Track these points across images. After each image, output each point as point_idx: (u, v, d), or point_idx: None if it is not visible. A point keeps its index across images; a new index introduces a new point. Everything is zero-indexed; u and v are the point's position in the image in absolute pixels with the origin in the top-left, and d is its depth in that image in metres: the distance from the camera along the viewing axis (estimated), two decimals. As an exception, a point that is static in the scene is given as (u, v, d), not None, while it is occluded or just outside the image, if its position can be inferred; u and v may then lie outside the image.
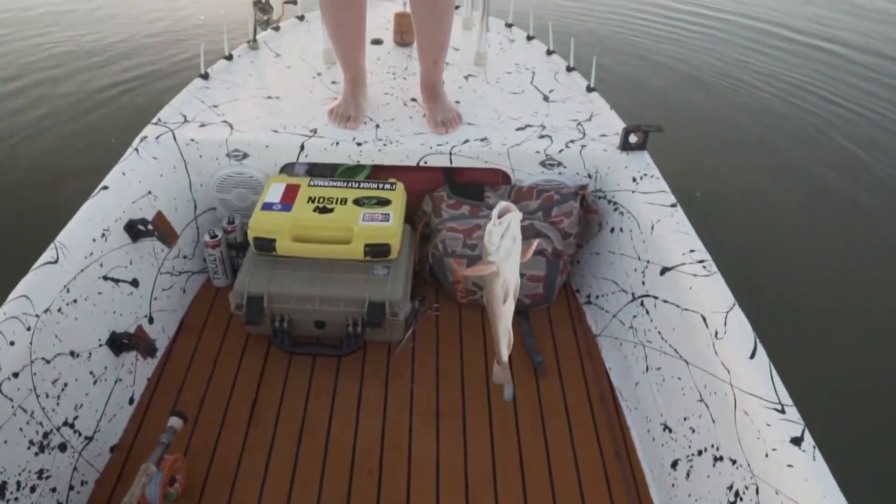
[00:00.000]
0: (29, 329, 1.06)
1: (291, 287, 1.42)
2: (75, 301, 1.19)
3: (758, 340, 1.07)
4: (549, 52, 2.09)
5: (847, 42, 4.19)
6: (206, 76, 1.83)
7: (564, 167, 1.60)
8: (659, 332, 1.30)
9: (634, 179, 1.50)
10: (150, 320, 1.44)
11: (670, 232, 1.34)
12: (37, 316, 1.08)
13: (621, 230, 1.50)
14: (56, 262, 1.17)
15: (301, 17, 2.29)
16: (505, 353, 1.17)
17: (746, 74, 3.56)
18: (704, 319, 1.15)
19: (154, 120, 1.62)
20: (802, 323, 1.96)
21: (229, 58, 1.96)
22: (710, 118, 3.03)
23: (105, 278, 1.29)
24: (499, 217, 0.99)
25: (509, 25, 2.30)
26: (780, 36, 4.30)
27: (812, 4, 5.01)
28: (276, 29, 2.18)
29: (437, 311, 1.60)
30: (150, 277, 1.45)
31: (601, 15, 4.16)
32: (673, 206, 1.39)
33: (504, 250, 0.99)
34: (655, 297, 1.32)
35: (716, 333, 1.11)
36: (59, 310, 1.15)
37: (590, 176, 1.61)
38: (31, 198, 2.28)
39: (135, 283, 1.39)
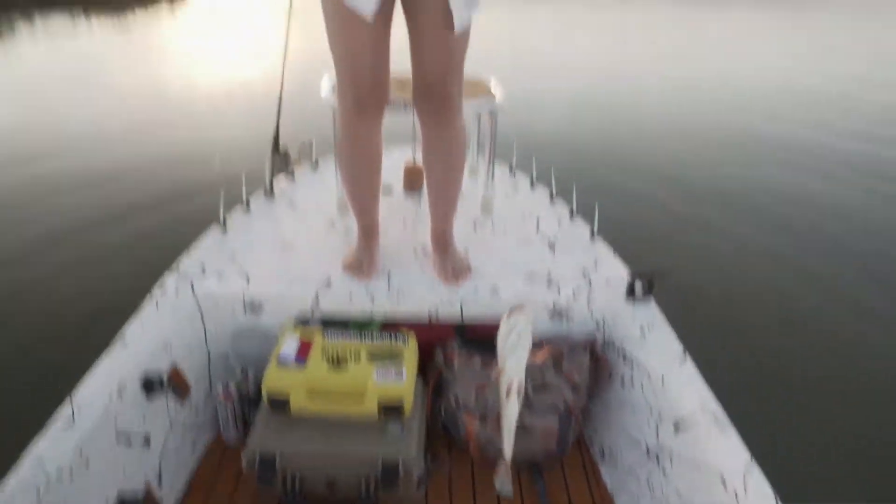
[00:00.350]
0: (38, 492, 1.05)
1: (305, 446, 1.41)
2: (87, 462, 1.19)
3: (779, 501, 1.06)
4: (553, 198, 2.20)
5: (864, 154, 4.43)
6: (223, 224, 1.92)
7: (572, 317, 1.64)
8: (676, 490, 1.28)
9: (642, 328, 1.54)
10: (160, 479, 1.43)
11: (681, 384, 1.35)
12: (47, 480, 1.08)
13: (632, 382, 1.52)
14: (72, 420, 1.18)
15: (315, 165, 2.43)
16: (509, 452, 1.23)
17: (752, 214, 3.65)
18: (723, 479, 1.14)
19: (172, 270, 1.68)
20: (822, 482, 1.91)
21: (246, 206, 2.06)
22: (714, 259, 3.11)
23: (118, 437, 1.29)
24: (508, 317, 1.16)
25: (513, 171, 2.43)
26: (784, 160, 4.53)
27: (809, 126, 5.32)
28: (291, 176, 2.31)
29: (450, 468, 1.59)
30: (162, 434, 1.45)
31: (602, 159, 4.38)
32: (682, 357, 1.42)
33: (510, 346, 1.14)
34: (671, 453, 1.32)
35: (735, 495, 1.10)
36: (71, 471, 1.14)
37: (598, 325, 1.65)
38: (48, 346, 2.32)
39: (146, 440, 1.39)
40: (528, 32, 9.57)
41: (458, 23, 1.41)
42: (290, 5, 2.07)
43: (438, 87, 1.48)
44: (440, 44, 1.44)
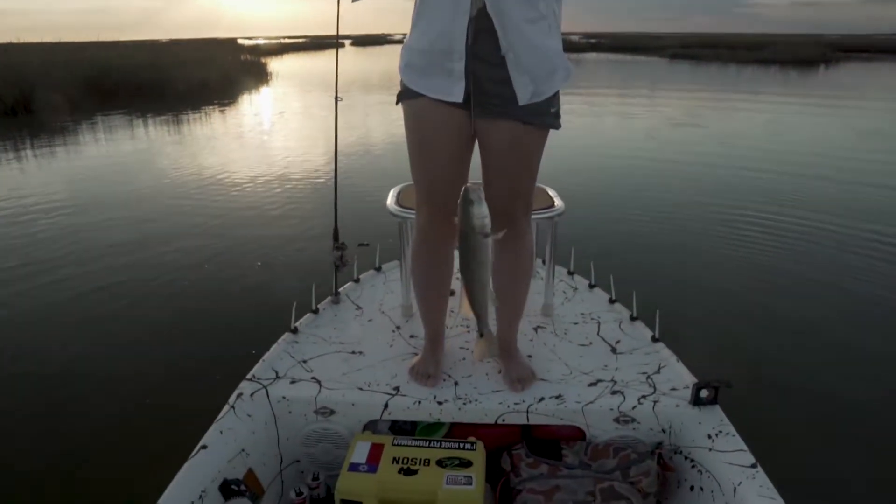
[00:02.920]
0: None
1: (377, 552, 1.49)
2: None
3: None
4: (612, 301, 2.31)
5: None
6: (294, 331, 2.08)
7: (638, 423, 1.71)
8: None
9: (710, 436, 1.59)
10: None
11: (754, 496, 1.40)
12: None
13: (701, 489, 1.56)
14: None
15: (378, 269, 2.61)
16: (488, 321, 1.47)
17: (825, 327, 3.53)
18: None
19: (249, 376, 1.83)
20: None
21: (315, 311, 2.23)
22: (786, 363, 3.09)
23: None
24: (468, 196, 1.35)
25: (571, 273, 2.56)
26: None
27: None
28: (357, 281, 2.49)
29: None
30: None
31: (661, 263, 4.45)
32: (753, 466, 1.47)
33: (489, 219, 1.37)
34: None
35: None
36: None
37: (664, 431, 1.72)
38: (128, 450, 2.47)
39: None
40: (567, 129, 9.98)
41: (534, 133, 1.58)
42: (337, 111, 2.29)
43: (507, 211, 1.64)
44: (510, 172, 1.61)
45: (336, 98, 2.19)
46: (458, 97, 1.53)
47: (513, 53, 1.47)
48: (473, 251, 1.41)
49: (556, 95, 1.58)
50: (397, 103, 1.67)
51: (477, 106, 1.54)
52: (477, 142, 1.65)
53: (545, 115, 1.58)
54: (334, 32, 2.04)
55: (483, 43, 1.47)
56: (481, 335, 1.57)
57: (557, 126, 1.62)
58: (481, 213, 1.37)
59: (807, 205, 5.98)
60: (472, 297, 1.48)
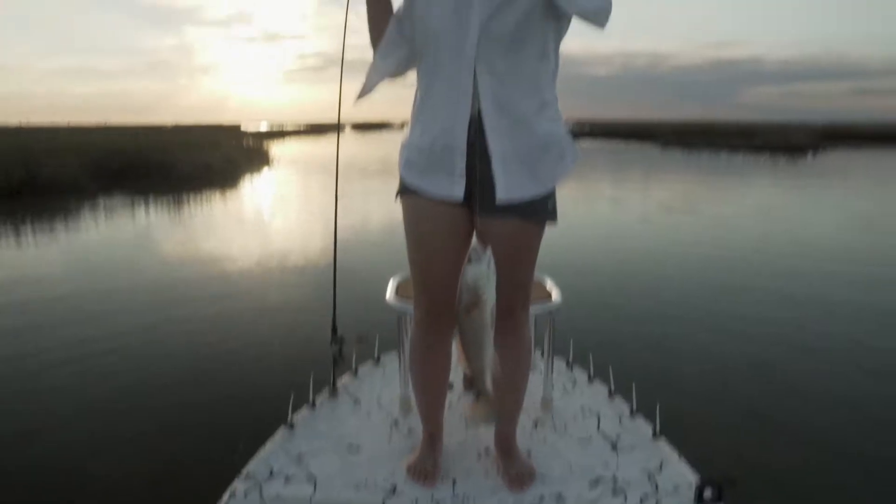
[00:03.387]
0: None
1: None
2: None
3: None
4: (612, 394, 2.30)
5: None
6: (291, 426, 2.06)
7: None
8: None
9: None
10: None
11: None
12: None
13: None
14: None
15: (377, 360, 2.61)
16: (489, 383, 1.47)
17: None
18: None
19: (242, 473, 1.80)
20: None
21: (312, 405, 2.21)
22: (792, 457, 3.03)
23: None
24: (473, 258, 1.37)
25: (570, 366, 2.56)
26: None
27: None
28: (355, 374, 2.48)
29: None
30: None
31: (660, 353, 4.42)
32: None
33: (491, 278, 1.38)
34: None
35: None
36: None
37: None
38: None
39: None
40: (564, 217, 10.16)
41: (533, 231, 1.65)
42: (336, 201, 2.32)
43: (506, 305, 1.67)
44: (508, 266, 1.65)
45: (336, 196, 2.25)
46: (460, 196, 1.59)
47: (521, 144, 1.53)
48: (469, 309, 1.41)
49: (553, 190, 1.64)
50: (396, 198, 1.72)
51: (477, 202, 1.59)
52: (476, 235, 1.69)
53: (543, 210, 1.63)
54: (334, 119, 2.11)
55: (486, 139, 1.53)
56: (477, 397, 1.54)
57: (554, 221, 1.67)
58: (478, 272, 1.39)
59: (808, 293, 6.02)
60: (469, 356, 1.48)
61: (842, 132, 50.87)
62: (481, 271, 1.39)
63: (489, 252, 1.41)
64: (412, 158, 1.64)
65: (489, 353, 1.47)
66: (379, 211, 10.70)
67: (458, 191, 1.58)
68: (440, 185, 1.60)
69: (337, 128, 2.35)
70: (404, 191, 1.68)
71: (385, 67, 1.65)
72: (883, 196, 14.90)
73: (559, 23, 1.54)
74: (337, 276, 2.36)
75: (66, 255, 7.95)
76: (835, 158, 28.14)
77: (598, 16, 1.42)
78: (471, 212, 1.64)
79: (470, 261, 1.39)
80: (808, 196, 14.31)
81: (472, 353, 1.47)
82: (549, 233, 1.72)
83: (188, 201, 12.68)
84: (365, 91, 1.67)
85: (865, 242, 8.62)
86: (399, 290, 2.24)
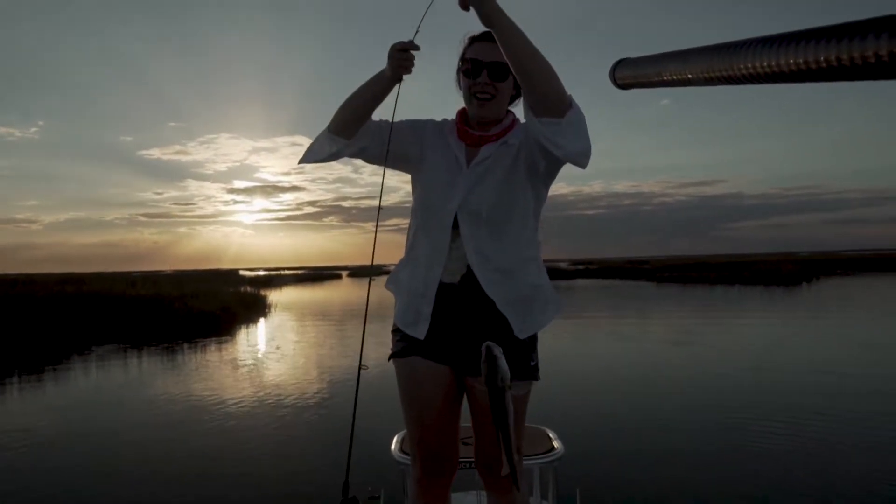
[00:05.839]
0: None
1: None
2: None
3: None
4: None
5: None
6: None
7: None
8: None
9: None
10: None
11: None
12: None
13: None
14: None
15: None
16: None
17: None
18: None
19: None
20: None
21: None
22: None
23: None
24: (495, 352, 1.41)
25: None
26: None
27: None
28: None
29: None
30: None
31: (672, 498, 4.27)
32: None
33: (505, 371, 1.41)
34: None
35: None
36: None
37: None
38: None
39: None
40: (565, 360, 10.10)
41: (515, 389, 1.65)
42: (359, 380, 2.16)
43: (499, 466, 1.66)
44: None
45: (360, 366, 2.01)
46: (422, 335, 1.71)
47: (502, 297, 1.63)
48: (507, 406, 1.44)
49: (534, 348, 1.72)
50: (389, 360, 1.81)
51: (461, 364, 1.67)
52: (468, 399, 1.74)
53: (526, 368, 1.71)
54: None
55: (467, 298, 1.63)
56: (518, 489, 1.55)
57: (537, 377, 1.75)
58: (504, 366, 1.43)
59: (814, 421, 5.90)
60: (508, 454, 1.48)
61: (826, 261, 52.07)
62: (505, 363, 1.44)
63: (499, 351, 1.46)
64: (398, 306, 1.81)
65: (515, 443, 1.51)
66: (378, 354, 10.57)
67: (420, 331, 1.72)
68: (415, 328, 1.74)
69: (369, 279, 1.97)
70: (395, 353, 1.79)
71: (339, 146, 1.74)
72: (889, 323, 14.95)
73: (538, 191, 1.73)
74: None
75: (52, 406, 7.77)
76: (829, 288, 28.51)
77: (581, 157, 1.54)
78: (458, 372, 1.73)
79: (495, 357, 1.44)
80: (804, 328, 14.34)
81: (507, 442, 1.47)
82: (552, 377, 1.74)
83: (183, 355, 12.53)
84: (308, 158, 1.79)
85: (862, 371, 8.53)
86: (403, 445, 2.23)
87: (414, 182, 1.82)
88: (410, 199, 1.82)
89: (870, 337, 12.39)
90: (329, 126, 1.74)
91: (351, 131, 1.71)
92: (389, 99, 1.70)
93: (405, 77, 1.67)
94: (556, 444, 2.17)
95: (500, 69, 1.63)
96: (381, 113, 1.76)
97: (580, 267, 67.25)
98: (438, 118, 1.85)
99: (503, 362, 1.43)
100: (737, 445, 5.35)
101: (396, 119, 1.77)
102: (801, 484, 4.42)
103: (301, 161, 1.80)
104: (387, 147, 1.72)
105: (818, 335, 13.08)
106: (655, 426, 6.11)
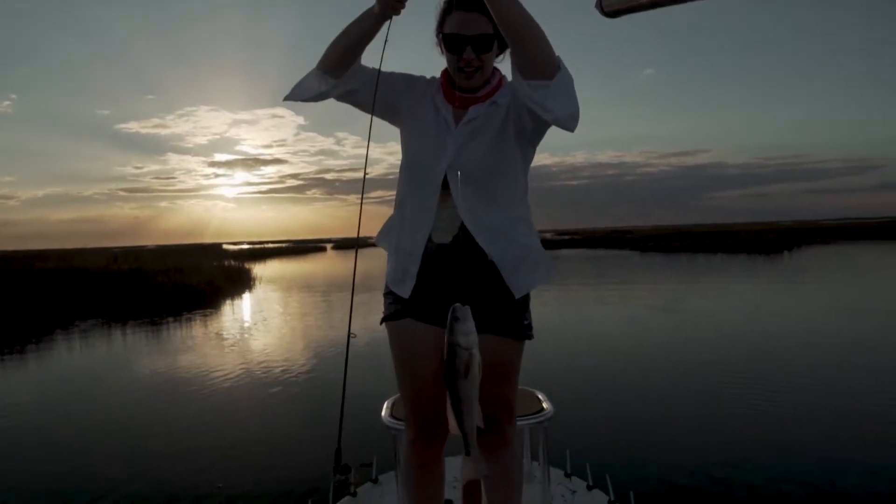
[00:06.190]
0: None
1: None
2: None
3: None
4: (611, 503, 2.23)
5: None
6: None
7: None
8: None
9: None
10: None
11: None
12: None
13: None
14: None
15: (375, 481, 2.52)
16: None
17: None
18: None
19: None
20: None
21: None
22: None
23: None
24: (455, 313, 1.37)
25: (569, 475, 2.49)
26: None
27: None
28: (354, 495, 2.38)
29: None
30: None
31: (657, 456, 4.33)
32: None
33: (475, 335, 1.39)
34: None
35: None
36: None
37: None
38: None
39: None
40: (553, 325, 10.19)
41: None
42: (348, 351, 2.06)
43: (492, 425, 1.70)
44: (490, 382, 1.69)
45: (349, 335, 2.06)
46: (406, 294, 1.72)
47: (498, 256, 1.62)
48: (458, 368, 1.41)
49: (527, 307, 1.71)
50: (381, 324, 1.81)
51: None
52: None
53: (519, 327, 1.72)
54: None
55: (461, 257, 1.63)
56: (467, 454, 1.51)
57: (530, 337, 1.76)
58: (465, 329, 1.40)
59: (796, 383, 6.01)
60: (457, 415, 1.47)
61: (808, 231, 52.68)
62: (469, 328, 1.41)
63: (468, 309, 1.44)
64: (389, 265, 1.80)
65: (477, 409, 1.47)
66: (366, 323, 10.59)
67: (405, 290, 1.73)
68: (401, 286, 1.74)
69: (355, 249, 2.03)
70: (387, 318, 1.79)
71: (328, 85, 1.71)
72: (872, 287, 15.19)
73: (525, 152, 1.73)
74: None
75: (35, 382, 7.73)
76: (810, 256, 28.87)
77: (570, 121, 1.53)
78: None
79: (457, 319, 1.40)
80: (790, 293, 14.55)
81: (466, 413, 1.46)
82: (541, 342, 1.75)
83: (168, 328, 12.50)
84: (295, 96, 1.74)
85: (849, 336, 8.69)
86: (394, 411, 2.24)
87: (403, 139, 1.79)
88: (394, 171, 1.80)
89: (850, 302, 12.60)
90: (318, 63, 1.70)
91: (340, 69, 1.68)
92: (378, 43, 1.67)
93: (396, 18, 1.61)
94: (545, 405, 2.20)
95: (485, 41, 1.60)
96: (369, 59, 1.73)
97: (565, 237, 67.48)
98: (428, 76, 1.81)
99: (463, 325, 1.41)
100: (721, 407, 5.47)
101: (392, 71, 1.76)
102: (782, 446, 4.52)
103: (287, 98, 1.75)
104: (372, 90, 1.69)
105: (801, 301, 13.28)
106: (643, 390, 6.21)
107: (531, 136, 1.69)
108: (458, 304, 1.44)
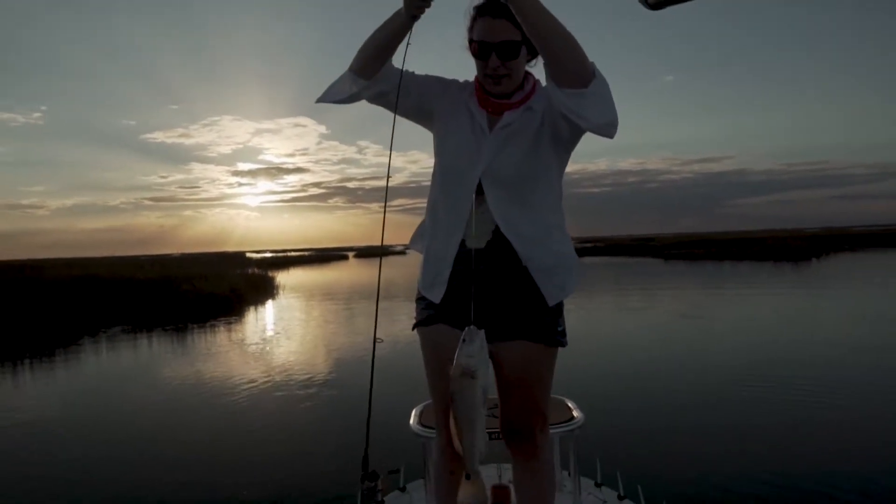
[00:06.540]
0: None
1: None
2: None
3: None
4: None
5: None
6: None
7: None
8: None
9: None
10: None
11: None
12: None
13: None
14: None
15: (403, 489, 2.51)
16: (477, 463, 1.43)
17: None
18: None
19: None
20: None
21: None
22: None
23: None
24: (464, 336, 1.38)
25: (599, 485, 2.45)
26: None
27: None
28: (381, 503, 2.36)
29: None
30: None
31: (688, 466, 4.29)
32: None
33: (484, 359, 1.39)
34: None
35: None
36: None
37: None
38: None
39: None
40: (582, 334, 10.10)
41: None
42: (374, 356, 2.06)
43: (525, 432, 1.67)
44: (523, 389, 1.67)
45: (374, 340, 2.05)
46: (437, 298, 1.71)
47: (533, 262, 1.60)
48: (460, 390, 1.42)
49: (561, 314, 1.69)
50: (413, 329, 1.80)
51: (488, 329, 1.63)
52: (491, 363, 1.71)
53: (552, 334, 1.70)
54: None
55: (495, 263, 1.61)
56: (467, 477, 1.49)
57: (564, 344, 1.74)
58: (469, 351, 1.41)
59: (828, 393, 5.91)
60: (460, 433, 1.46)
61: (835, 238, 51.78)
62: (474, 349, 1.41)
63: (482, 334, 1.44)
64: (421, 270, 1.79)
65: (480, 434, 1.46)
66: (392, 332, 10.57)
67: (437, 295, 1.71)
68: (432, 291, 1.73)
69: (380, 257, 2.13)
70: (419, 323, 1.78)
71: (359, 86, 1.71)
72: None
73: (561, 157, 1.70)
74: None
75: (63, 388, 7.84)
76: (839, 263, 28.36)
77: (608, 128, 1.50)
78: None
79: (464, 340, 1.42)
80: (819, 301, 14.29)
81: (463, 430, 1.45)
82: (569, 350, 1.73)
83: (193, 336, 12.61)
84: (328, 97, 1.75)
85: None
86: (422, 418, 2.22)
87: (436, 144, 1.78)
88: (416, 179, 1.80)
89: (881, 311, 12.33)
90: (351, 66, 1.71)
91: (371, 70, 1.68)
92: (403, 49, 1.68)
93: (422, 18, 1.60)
94: (575, 413, 2.18)
95: (510, 48, 1.59)
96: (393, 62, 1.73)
97: (588, 245, 67.14)
98: (461, 79, 1.80)
99: (468, 347, 1.42)
100: (756, 418, 5.36)
101: (424, 74, 1.77)
102: (816, 456, 4.43)
103: (319, 100, 1.76)
104: (397, 92, 1.69)
105: (831, 309, 13.03)
106: (673, 398, 6.13)
107: (567, 142, 1.67)
108: (472, 327, 1.45)
